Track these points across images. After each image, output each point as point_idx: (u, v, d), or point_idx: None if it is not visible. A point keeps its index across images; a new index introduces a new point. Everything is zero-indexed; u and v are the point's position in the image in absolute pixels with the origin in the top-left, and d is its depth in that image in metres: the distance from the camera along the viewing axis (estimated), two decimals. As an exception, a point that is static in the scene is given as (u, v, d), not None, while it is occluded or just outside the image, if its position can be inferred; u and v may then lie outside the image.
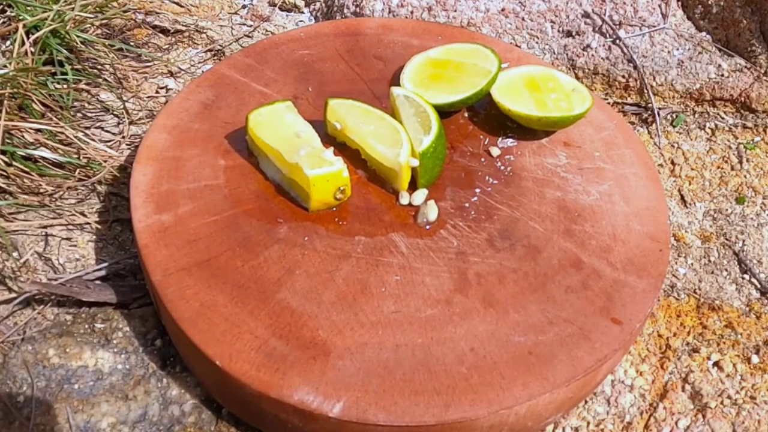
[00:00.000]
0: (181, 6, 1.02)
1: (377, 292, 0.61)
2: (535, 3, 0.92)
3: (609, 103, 0.91)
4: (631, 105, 0.92)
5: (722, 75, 0.92)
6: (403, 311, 0.60)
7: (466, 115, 0.77)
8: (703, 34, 0.94)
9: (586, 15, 0.92)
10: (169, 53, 0.95)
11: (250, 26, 1.00)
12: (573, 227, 0.68)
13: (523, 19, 0.92)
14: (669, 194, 0.84)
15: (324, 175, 0.63)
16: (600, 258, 0.65)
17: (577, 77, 0.91)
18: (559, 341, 0.59)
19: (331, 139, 0.72)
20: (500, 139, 0.75)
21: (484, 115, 0.77)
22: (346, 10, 0.96)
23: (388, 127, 0.69)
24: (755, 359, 0.68)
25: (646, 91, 0.90)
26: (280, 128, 0.68)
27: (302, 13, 1.04)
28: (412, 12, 0.92)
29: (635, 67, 0.90)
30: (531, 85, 0.75)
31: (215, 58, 0.95)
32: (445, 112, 0.74)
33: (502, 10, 0.92)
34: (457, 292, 0.62)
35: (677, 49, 0.92)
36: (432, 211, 0.67)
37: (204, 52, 0.95)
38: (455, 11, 0.91)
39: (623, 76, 0.90)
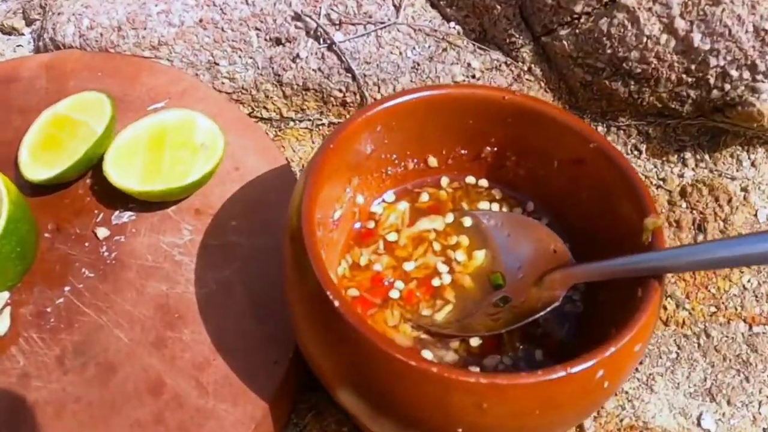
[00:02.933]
0: None
1: None
2: (237, 8, 0.76)
3: (324, 125, 0.75)
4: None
5: (472, 75, 0.76)
6: None
7: (88, 182, 0.63)
8: (452, 25, 0.77)
9: (297, 17, 0.75)
10: None
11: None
12: (166, 335, 0.55)
13: (223, 29, 0.76)
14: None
15: None
16: (189, 378, 0.53)
17: (285, 96, 0.75)
18: None
19: None
20: (117, 213, 0.61)
21: (107, 183, 0.63)
22: (45, 35, 0.81)
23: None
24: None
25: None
26: None
27: (22, 35, 0.90)
28: (101, 34, 0.77)
29: (354, 78, 0.74)
30: (156, 141, 0.61)
31: None
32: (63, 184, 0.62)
33: (200, 21, 0.76)
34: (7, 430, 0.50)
35: (412, 49, 0.75)
36: (2, 324, 0.55)
37: None
38: (145, 29, 0.76)
39: (340, 90, 0.74)
